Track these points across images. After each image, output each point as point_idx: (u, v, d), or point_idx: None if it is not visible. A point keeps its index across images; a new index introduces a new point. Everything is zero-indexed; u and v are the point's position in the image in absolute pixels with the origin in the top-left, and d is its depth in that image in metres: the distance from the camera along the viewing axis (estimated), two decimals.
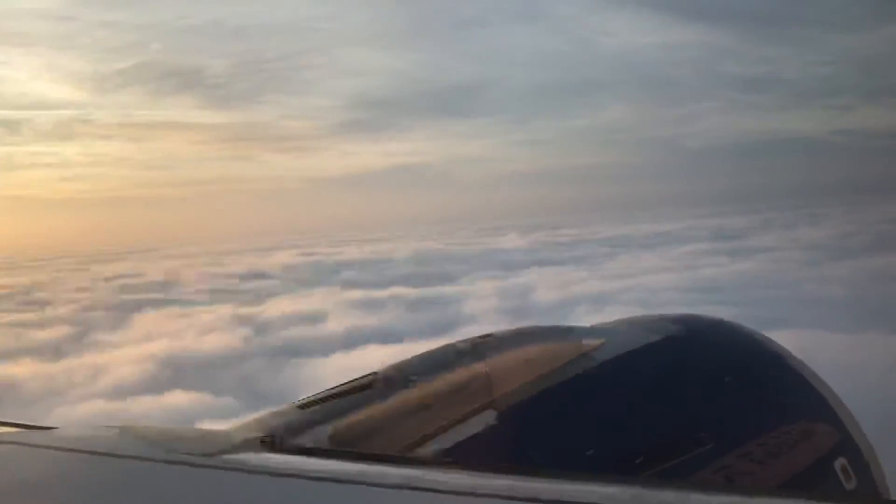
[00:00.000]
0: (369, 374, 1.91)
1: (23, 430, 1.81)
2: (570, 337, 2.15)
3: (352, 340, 32.52)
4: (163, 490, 1.34)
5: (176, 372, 29.73)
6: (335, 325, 36.24)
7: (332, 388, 1.87)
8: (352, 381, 1.89)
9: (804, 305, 34.09)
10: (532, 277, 54.04)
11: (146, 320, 42.78)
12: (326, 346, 31.98)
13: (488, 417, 1.88)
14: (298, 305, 44.28)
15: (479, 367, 1.95)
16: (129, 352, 33.53)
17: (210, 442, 1.51)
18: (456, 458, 1.72)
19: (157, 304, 49.94)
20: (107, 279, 75.82)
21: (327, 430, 1.72)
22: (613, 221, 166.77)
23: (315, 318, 38.40)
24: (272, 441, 1.58)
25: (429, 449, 1.78)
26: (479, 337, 2.07)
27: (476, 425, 1.86)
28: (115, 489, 1.36)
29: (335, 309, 41.57)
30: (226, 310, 44.88)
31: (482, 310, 39.18)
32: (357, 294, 48.53)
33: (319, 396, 1.83)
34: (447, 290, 49.84)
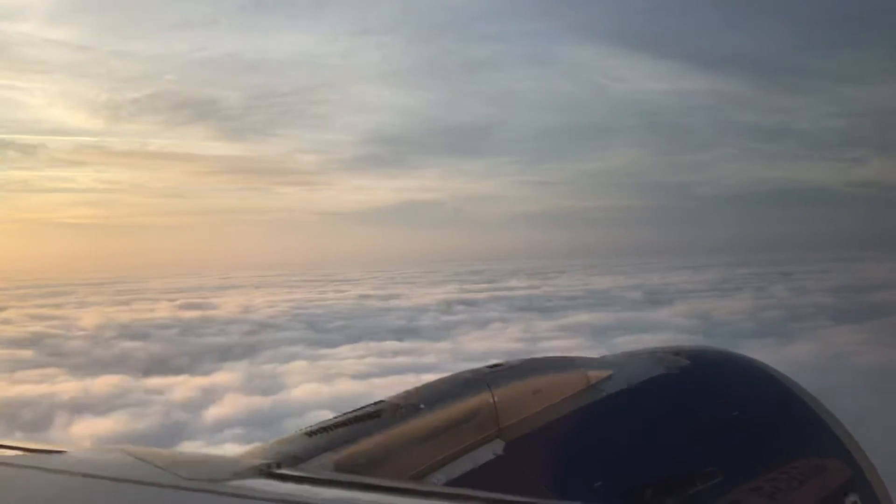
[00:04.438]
0: (377, 402, 1.90)
1: (30, 453, 1.73)
2: (578, 368, 2.14)
3: None
4: None
5: None
6: None
7: (340, 416, 1.85)
8: (360, 408, 1.88)
9: None
10: (304, 364, 44.45)
11: None
12: None
13: (496, 447, 1.88)
14: None
15: (487, 397, 1.94)
16: None
17: (216, 468, 1.48)
18: (463, 487, 1.70)
19: None
20: None
21: (334, 457, 1.71)
22: (586, 270, 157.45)
23: None
24: (278, 468, 1.54)
25: (436, 478, 1.77)
26: (488, 366, 2.06)
27: (484, 455, 1.86)
28: None
29: None
30: None
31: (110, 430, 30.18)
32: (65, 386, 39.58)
33: (327, 424, 1.82)
34: (185, 381, 40.91)
